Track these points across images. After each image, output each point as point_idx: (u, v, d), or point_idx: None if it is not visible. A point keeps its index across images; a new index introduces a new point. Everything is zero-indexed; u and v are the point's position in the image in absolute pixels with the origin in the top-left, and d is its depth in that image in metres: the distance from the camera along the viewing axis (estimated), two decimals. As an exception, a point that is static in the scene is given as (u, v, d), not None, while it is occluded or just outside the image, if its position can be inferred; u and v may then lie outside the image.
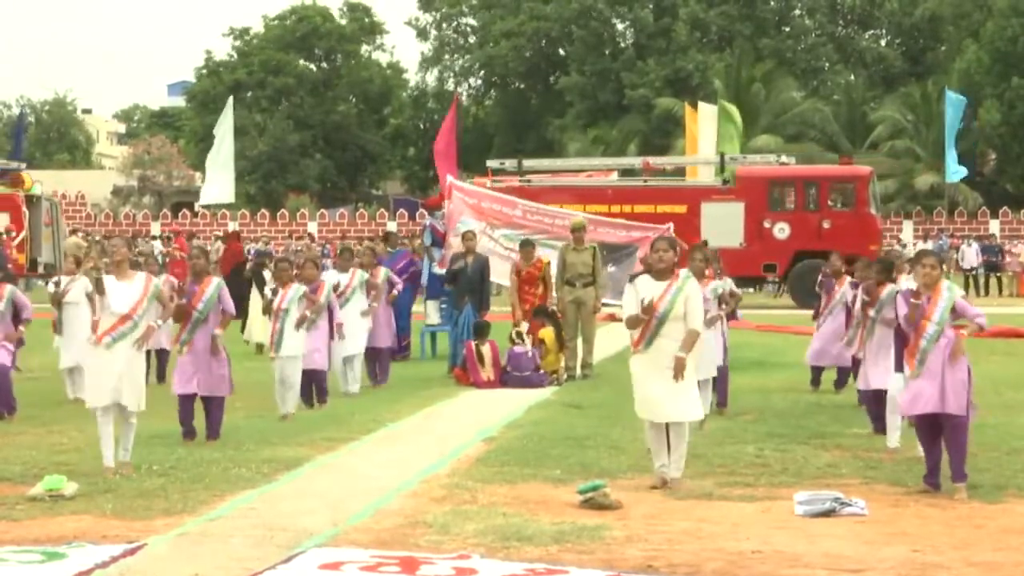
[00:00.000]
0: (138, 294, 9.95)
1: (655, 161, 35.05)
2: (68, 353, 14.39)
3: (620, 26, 65.62)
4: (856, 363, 12.35)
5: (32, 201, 35.90)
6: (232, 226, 48.76)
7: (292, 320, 12.79)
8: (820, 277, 16.15)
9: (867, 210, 31.42)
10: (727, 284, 13.60)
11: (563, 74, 64.33)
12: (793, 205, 31.70)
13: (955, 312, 9.10)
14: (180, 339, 11.45)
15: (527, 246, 17.13)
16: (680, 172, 36.00)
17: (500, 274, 18.19)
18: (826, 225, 30.85)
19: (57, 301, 14.61)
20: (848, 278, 14.91)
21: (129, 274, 10.08)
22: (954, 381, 8.96)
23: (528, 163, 34.23)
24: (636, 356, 9.23)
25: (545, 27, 63.96)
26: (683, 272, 9.32)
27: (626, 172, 36.39)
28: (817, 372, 15.17)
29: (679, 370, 8.96)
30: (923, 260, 9.33)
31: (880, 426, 11.17)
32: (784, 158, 34.52)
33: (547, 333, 16.22)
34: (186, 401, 11.35)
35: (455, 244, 18.27)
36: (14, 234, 34.32)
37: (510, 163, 34.31)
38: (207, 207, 47.97)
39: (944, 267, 9.79)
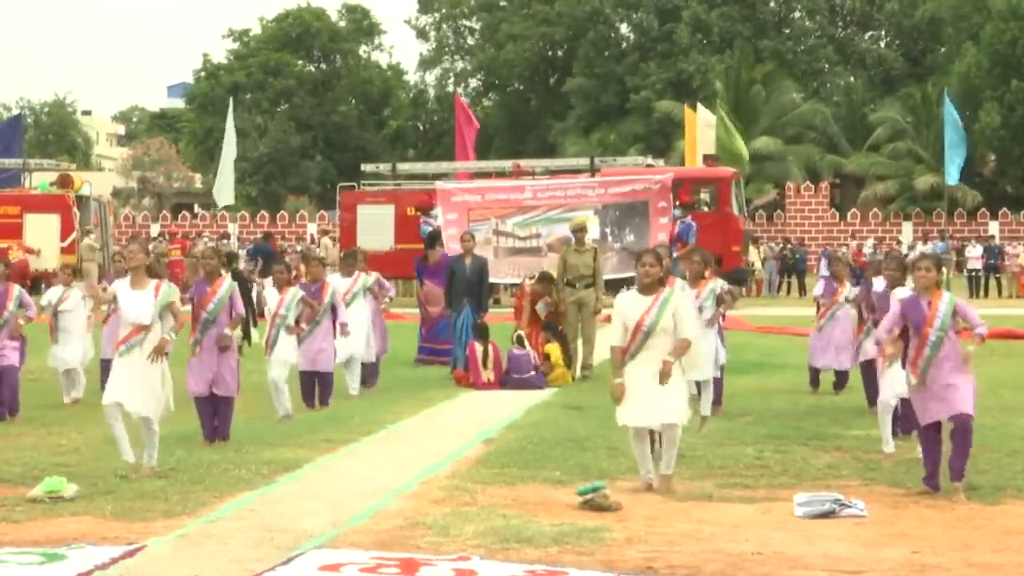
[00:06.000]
0: (150, 303, 9.77)
1: (525, 164, 35.01)
2: (61, 355, 14.35)
3: (624, 29, 65.70)
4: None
5: (81, 202, 35.82)
6: (232, 228, 48.77)
7: (288, 325, 12.76)
8: (821, 280, 16.00)
9: (729, 211, 31.84)
10: (719, 284, 13.16)
11: (565, 76, 64.33)
12: None
13: (956, 316, 9.08)
14: (191, 340, 11.41)
15: (544, 280, 16.76)
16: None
17: (516, 267, 17.94)
18: None
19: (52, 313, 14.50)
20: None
21: (144, 282, 9.87)
22: (961, 383, 8.94)
23: (402, 167, 35.61)
24: (624, 367, 9.20)
25: (551, 31, 63.97)
26: (678, 283, 9.24)
27: (499, 174, 36.47)
28: (815, 372, 15.11)
29: (665, 375, 8.92)
30: (919, 263, 9.28)
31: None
32: (650, 160, 34.60)
33: (552, 348, 16.08)
34: (203, 403, 11.33)
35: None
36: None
37: (384, 167, 35.73)
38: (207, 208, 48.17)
39: (942, 270, 9.73)
